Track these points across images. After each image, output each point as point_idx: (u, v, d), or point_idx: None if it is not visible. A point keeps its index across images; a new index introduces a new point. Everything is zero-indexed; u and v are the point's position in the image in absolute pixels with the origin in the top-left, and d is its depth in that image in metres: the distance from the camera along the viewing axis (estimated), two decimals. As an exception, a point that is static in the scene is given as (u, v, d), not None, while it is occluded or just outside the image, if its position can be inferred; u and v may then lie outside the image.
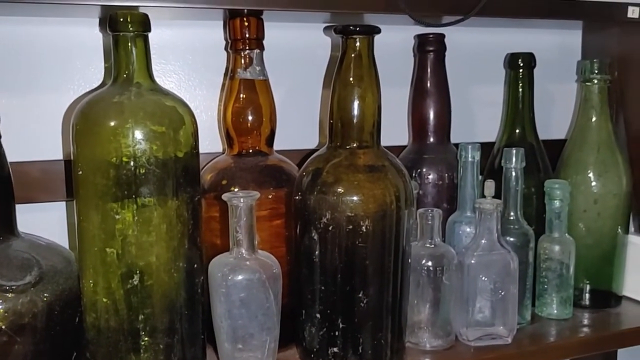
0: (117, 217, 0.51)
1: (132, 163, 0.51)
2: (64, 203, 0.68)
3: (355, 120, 0.57)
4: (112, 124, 0.51)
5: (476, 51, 0.84)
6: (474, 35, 0.83)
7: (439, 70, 0.72)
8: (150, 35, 0.54)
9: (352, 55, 0.57)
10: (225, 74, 0.70)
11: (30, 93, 0.66)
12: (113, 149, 0.51)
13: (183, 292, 0.55)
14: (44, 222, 0.65)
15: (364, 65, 0.57)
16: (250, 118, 0.63)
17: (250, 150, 0.64)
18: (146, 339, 0.53)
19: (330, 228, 0.55)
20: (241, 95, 0.63)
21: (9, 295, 0.51)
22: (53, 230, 0.64)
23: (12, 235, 0.56)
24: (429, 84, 0.72)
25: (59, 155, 0.68)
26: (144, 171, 0.51)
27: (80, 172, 0.52)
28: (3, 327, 0.51)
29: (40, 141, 0.67)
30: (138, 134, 0.51)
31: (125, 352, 0.53)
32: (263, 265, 0.55)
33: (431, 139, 0.72)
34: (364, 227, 0.55)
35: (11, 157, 0.55)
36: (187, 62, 0.71)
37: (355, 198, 0.55)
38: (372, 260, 0.56)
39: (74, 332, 0.57)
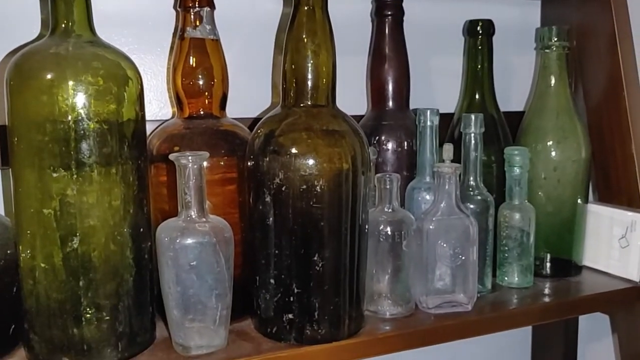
0: (54, 175, 0.48)
1: (69, 118, 0.47)
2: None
3: (309, 78, 0.55)
4: (49, 76, 0.48)
5: (435, 21, 0.82)
6: (433, 5, 0.82)
7: (397, 35, 0.70)
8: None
9: (305, 9, 0.55)
10: (174, 34, 0.67)
11: None
12: (50, 103, 0.47)
13: (128, 259, 0.52)
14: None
15: (317, 20, 0.55)
16: (200, 79, 0.60)
17: (202, 113, 0.61)
18: (88, 308, 0.50)
19: (283, 189, 0.53)
20: (191, 55, 0.60)
21: (-63, 260, 0.48)
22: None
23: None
24: (387, 49, 0.70)
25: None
26: (83, 128, 0.48)
27: (16, 130, 0.49)
28: None
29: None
30: (77, 87, 0.48)
31: (66, 321, 0.50)
32: (214, 229, 0.53)
33: (390, 105, 0.71)
34: (318, 187, 0.53)
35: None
36: (134, 23, 0.67)
37: (309, 156, 0.53)
38: (327, 222, 0.54)
39: (12, 302, 0.53)
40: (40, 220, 0.49)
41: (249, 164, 0.56)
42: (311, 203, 0.53)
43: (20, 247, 0.51)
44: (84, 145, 0.48)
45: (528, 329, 0.97)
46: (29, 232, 0.49)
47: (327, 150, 0.53)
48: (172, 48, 0.66)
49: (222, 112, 0.62)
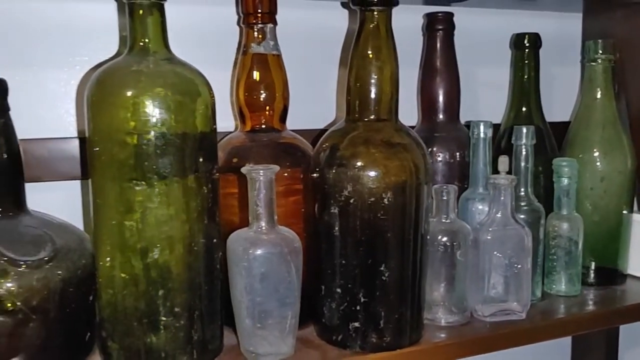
0: (136, 188, 0.49)
1: (152, 134, 0.49)
2: (70, 182, 0.66)
3: (373, 93, 0.57)
4: (131, 92, 0.49)
5: (480, 33, 0.84)
6: (477, 18, 0.83)
7: (448, 49, 0.72)
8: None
9: (370, 27, 0.56)
10: (238, 50, 0.68)
11: (37, 69, 0.65)
12: (132, 118, 0.49)
13: (202, 268, 0.53)
14: (48, 202, 0.63)
15: (381, 37, 0.57)
16: (262, 93, 0.62)
17: (263, 126, 0.63)
18: (165, 316, 0.51)
19: (351, 201, 0.55)
20: (254, 70, 0.62)
21: (24, 270, 0.49)
22: (60, 211, 0.62)
23: (22, 212, 0.54)
24: (438, 63, 0.72)
25: (64, 133, 0.66)
26: (163, 143, 0.50)
27: (96, 145, 0.51)
28: (18, 303, 0.49)
29: (46, 119, 0.65)
30: (157, 104, 0.49)
31: (144, 329, 0.51)
32: (284, 239, 0.54)
33: (441, 117, 0.72)
34: (385, 200, 0.54)
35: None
36: (200, 39, 0.69)
37: (376, 169, 0.54)
38: (393, 233, 0.55)
39: (88, 311, 0.55)
40: (122, 231, 0.50)
41: (314, 176, 0.58)
42: (378, 215, 0.55)
43: (99, 258, 0.52)
44: (164, 159, 0.50)
45: (568, 336, 0.98)
46: (109, 243, 0.51)
47: (393, 163, 0.55)
48: (235, 63, 0.68)
49: (282, 125, 0.64)
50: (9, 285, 0.48)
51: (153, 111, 0.49)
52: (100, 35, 0.66)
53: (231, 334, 0.58)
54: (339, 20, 0.77)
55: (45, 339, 0.51)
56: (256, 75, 0.62)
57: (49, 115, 0.66)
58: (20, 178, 0.54)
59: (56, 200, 0.63)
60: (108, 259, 0.52)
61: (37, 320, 0.50)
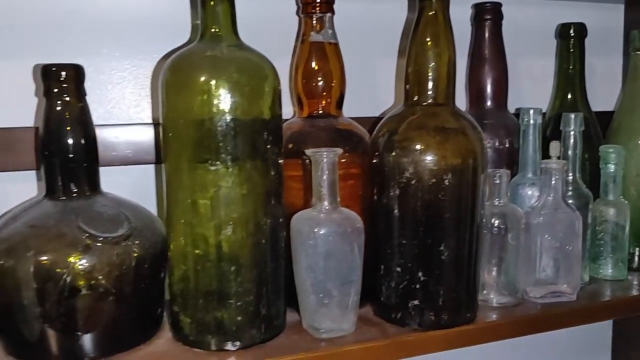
0: (211, 168, 0.52)
1: (226, 116, 0.51)
2: (132, 167, 0.69)
3: (431, 78, 0.59)
4: (206, 76, 0.52)
5: (523, 24, 0.85)
6: (523, 8, 0.85)
7: (496, 38, 0.74)
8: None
9: (429, 14, 0.58)
10: (297, 39, 0.70)
11: (111, 58, 0.68)
12: (207, 102, 0.51)
13: (269, 246, 0.55)
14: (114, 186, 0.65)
15: (439, 24, 0.58)
16: (320, 80, 0.64)
17: (320, 112, 0.65)
18: (237, 292, 0.54)
19: (412, 182, 0.56)
20: (312, 58, 0.64)
21: (104, 246, 0.52)
22: (131, 194, 0.63)
23: (97, 193, 0.57)
24: (486, 52, 0.74)
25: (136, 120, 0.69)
26: (236, 125, 0.52)
27: (172, 127, 0.53)
28: (100, 277, 0.51)
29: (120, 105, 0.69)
30: (231, 87, 0.52)
31: (216, 304, 0.54)
32: (347, 219, 0.57)
33: (489, 105, 0.74)
34: (446, 181, 0.56)
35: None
36: (260, 28, 0.71)
37: (437, 152, 0.56)
38: (452, 214, 0.57)
39: (159, 288, 0.57)
40: (196, 210, 0.53)
41: (374, 160, 0.60)
42: (439, 196, 0.56)
43: (173, 236, 0.55)
44: (237, 141, 0.52)
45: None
46: (183, 221, 0.54)
47: (452, 146, 0.57)
48: (293, 52, 0.70)
49: (339, 112, 0.66)
50: (92, 260, 0.51)
51: (227, 95, 0.52)
52: (169, 27, 0.68)
53: (291, 313, 0.60)
54: (397, 10, 0.78)
55: (122, 313, 0.54)
56: (314, 63, 0.64)
57: (121, 103, 0.69)
58: (95, 161, 0.56)
59: (128, 184, 0.66)
60: (182, 237, 0.54)
61: (116, 294, 0.52)
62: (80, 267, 0.50)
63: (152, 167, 0.70)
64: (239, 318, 0.54)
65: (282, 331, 0.58)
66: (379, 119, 0.64)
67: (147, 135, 0.68)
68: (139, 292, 0.55)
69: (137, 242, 0.54)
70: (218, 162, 0.52)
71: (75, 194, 0.55)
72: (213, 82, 0.51)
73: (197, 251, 0.53)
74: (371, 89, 0.78)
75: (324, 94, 0.65)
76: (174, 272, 0.55)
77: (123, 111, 0.68)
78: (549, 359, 0.96)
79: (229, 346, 0.54)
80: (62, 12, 0.65)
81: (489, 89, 0.74)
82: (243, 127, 0.52)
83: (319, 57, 0.64)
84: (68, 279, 0.50)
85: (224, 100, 0.51)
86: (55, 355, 0.52)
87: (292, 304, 0.59)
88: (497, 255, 0.65)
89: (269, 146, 0.54)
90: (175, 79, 0.53)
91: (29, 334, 0.52)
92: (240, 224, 0.53)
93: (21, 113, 0.65)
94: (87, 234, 0.52)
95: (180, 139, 0.53)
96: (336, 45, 0.65)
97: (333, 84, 0.64)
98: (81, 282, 0.50)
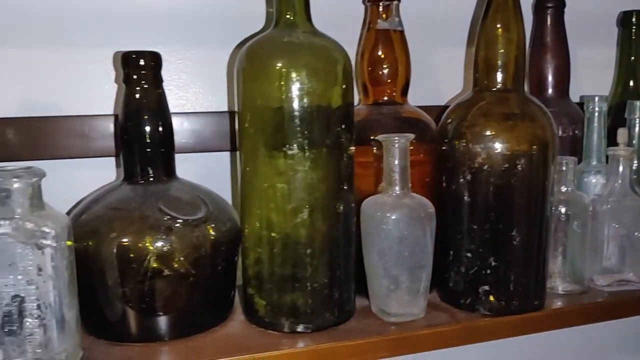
0: (289, 153, 0.52)
1: (304, 101, 0.52)
2: (206, 154, 0.70)
3: (501, 64, 0.59)
4: (283, 62, 0.52)
5: (584, 12, 0.84)
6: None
7: (558, 26, 0.73)
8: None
9: (499, 0, 0.58)
10: (363, 26, 0.71)
11: (189, 47, 0.69)
12: (284, 87, 0.52)
13: (342, 231, 0.56)
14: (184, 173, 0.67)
15: (509, 8, 0.58)
16: (386, 68, 0.64)
17: (385, 99, 0.65)
18: (312, 275, 0.54)
19: (484, 168, 0.57)
20: (378, 46, 0.64)
21: (185, 228, 0.53)
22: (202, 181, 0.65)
23: (173, 179, 0.58)
24: (548, 39, 0.73)
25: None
26: (312, 111, 0.53)
27: (248, 113, 0.54)
28: (181, 259, 0.52)
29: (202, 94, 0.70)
30: (309, 73, 0.52)
31: (291, 287, 0.54)
32: (420, 204, 0.57)
33: (550, 93, 0.74)
34: (519, 166, 0.56)
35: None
36: (326, 16, 0.71)
37: (509, 137, 0.56)
38: (523, 200, 0.57)
39: (233, 271, 0.59)
40: (273, 194, 0.53)
41: (442, 147, 0.60)
42: (511, 181, 0.56)
43: (249, 220, 0.56)
44: (314, 126, 0.53)
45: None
46: (260, 205, 0.54)
47: (524, 131, 0.57)
48: (359, 40, 0.71)
49: (404, 99, 0.66)
50: (173, 242, 0.52)
51: (304, 80, 0.52)
52: (243, 15, 0.69)
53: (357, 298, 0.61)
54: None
55: (200, 295, 0.55)
56: (380, 50, 0.64)
57: (197, 91, 0.70)
58: (171, 147, 0.58)
59: (199, 171, 0.68)
60: (257, 221, 0.55)
61: (195, 276, 0.53)
62: (163, 248, 0.52)
63: (227, 154, 0.71)
64: (313, 301, 0.55)
65: (352, 316, 0.59)
66: (442, 107, 0.65)
67: (221, 124, 0.69)
68: (216, 275, 0.56)
69: (213, 225, 0.55)
70: (295, 147, 0.52)
71: (152, 179, 0.56)
72: (291, 68, 0.52)
73: (273, 234, 0.54)
74: (434, 77, 0.78)
75: (390, 81, 0.65)
76: (248, 256, 0.56)
77: (199, 99, 0.70)
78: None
79: (303, 328, 0.55)
80: (140, 2, 0.66)
81: (550, 77, 0.73)
82: (319, 112, 0.53)
83: (385, 44, 0.64)
84: (151, 260, 0.51)
85: (301, 85, 0.52)
86: (135, 336, 0.54)
87: (358, 289, 0.60)
88: (562, 243, 0.65)
89: (342, 132, 0.55)
90: (252, 65, 0.54)
91: (110, 314, 0.53)
92: (315, 208, 0.54)
93: (100, 101, 0.66)
94: (168, 217, 0.53)
95: (258, 125, 0.54)
96: (402, 32, 0.65)
97: (399, 72, 0.65)
98: (163, 264, 0.52)
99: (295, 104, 0.52)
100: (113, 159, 0.67)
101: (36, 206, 0.47)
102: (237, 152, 0.57)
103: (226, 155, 0.71)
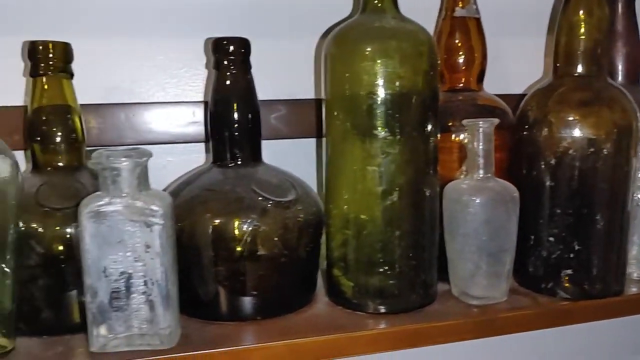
0: (380, 135, 0.53)
1: (396, 84, 0.53)
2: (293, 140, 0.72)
3: (583, 49, 0.59)
4: (375, 47, 0.53)
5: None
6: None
7: (629, 12, 0.73)
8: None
9: (582, -13, 0.59)
10: (439, 14, 0.72)
11: (276, 36, 0.70)
12: (375, 71, 0.53)
13: (428, 214, 0.57)
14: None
15: (593, -5, 0.59)
16: (462, 55, 0.65)
17: (462, 86, 0.66)
18: (399, 256, 0.55)
19: (569, 152, 0.57)
20: (455, 33, 0.65)
21: (278, 209, 0.54)
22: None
23: (260, 163, 0.59)
24: (619, 27, 0.73)
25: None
26: (405, 94, 0.53)
27: (338, 98, 0.55)
28: (275, 239, 0.54)
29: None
30: (401, 58, 0.53)
31: (379, 268, 0.55)
32: (504, 188, 0.57)
33: (620, 80, 0.73)
34: (604, 150, 0.57)
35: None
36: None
37: (594, 122, 0.57)
38: (607, 184, 0.57)
39: (318, 253, 0.60)
40: (364, 177, 0.54)
41: (523, 133, 0.61)
42: (596, 165, 0.57)
43: (337, 202, 0.57)
44: (404, 110, 0.54)
45: None
46: (349, 188, 0.55)
47: (609, 116, 0.57)
48: (435, 27, 0.71)
49: (479, 86, 0.67)
50: (268, 222, 0.53)
51: (396, 65, 0.53)
52: (329, 2, 0.70)
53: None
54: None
55: (290, 276, 0.56)
56: (457, 37, 0.65)
57: (283, 78, 0.71)
58: (259, 132, 0.59)
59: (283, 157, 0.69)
60: (345, 204, 0.56)
61: (287, 257, 0.55)
62: (258, 229, 0.53)
63: (311, 141, 0.73)
64: (400, 283, 0.56)
65: (435, 299, 0.59)
66: (510, 95, 0.65)
67: (305, 112, 0.71)
68: (304, 257, 0.57)
69: (302, 207, 0.56)
70: (386, 131, 0.53)
71: (240, 163, 0.58)
72: (384, 53, 0.53)
73: (362, 216, 0.55)
74: (501, 66, 0.78)
75: (465, 68, 0.66)
76: (335, 238, 0.57)
77: (285, 86, 0.71)
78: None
79: (390, 310, 0.56)
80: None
81: (621, 64, 0.73)
82: (409, 96, 0.54)
83: (462, 31, 0.65)
84: (247, 240, 0.53)
85: (393, 70, 0.53)
86: (226, 315, 0.55)
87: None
88: (637, 228, 0.65)
89: (430, 116, 0.56)
90: (342, 50, 0.55)
91: (203, 293, 0.55)
92: (404, 191, 0.54)
93: (190, 88, 0.69)
94: (262, 198, 0.54)
95: (347, 109, 0.54)
96: (478, 20, 0.66)
97: (475, 59, 0.65)
98: (258, 244, 0.53)
99: (387, 88, 0.53)
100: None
101: (143, 185, 0.48)
102: (324, 138, 0.58)
103: (309, 142, 0.73)
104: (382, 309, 0.56)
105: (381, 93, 0.53)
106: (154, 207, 0.47)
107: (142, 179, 0.48)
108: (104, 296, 0.48)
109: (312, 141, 0.73)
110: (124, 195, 0.47)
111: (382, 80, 0.53)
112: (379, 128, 0.53)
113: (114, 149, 0.48)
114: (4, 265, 0.46)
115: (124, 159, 0.47)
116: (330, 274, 0.58)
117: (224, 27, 0.67)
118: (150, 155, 0.48)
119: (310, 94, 0.72)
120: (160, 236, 0.48)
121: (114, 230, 0.47)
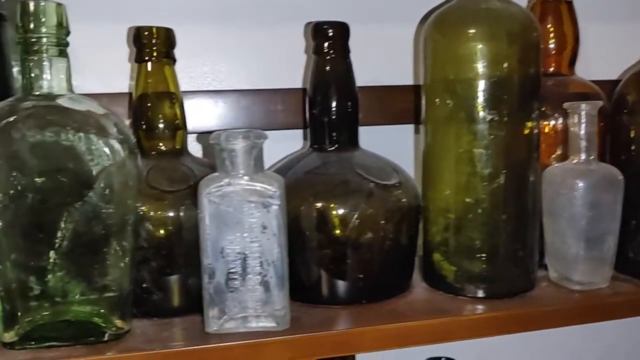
0: (488, 117, 0.53)
1: (504, 66, 0.52)
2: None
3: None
4: (484, 29, 0.53)
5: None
6: None
7: None
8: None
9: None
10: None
11: (372, 19, 0.71)
12: (484, 54, 0.52)
13: (531, 198, 0.56)
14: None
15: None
16: (554, 39, 0.64)
17: (552, 70, 0.65)
18: (504, 240, 0.54)
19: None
20: (548, 17, 0.64)
21: (383, 193, 0.54)
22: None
23: (356, 148, 0.59)
24: None
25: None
26: (513, 76, 0.53)
27: (442, 81, 0.54)
28: (382, 222, 0.53)
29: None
30: (509, 40, 0.53)
31: (483, 252, 0.54)
32: (609, 171, 0.57)
33: None
34: None
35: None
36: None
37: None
38: None
39: (416, 238, 0.59)
40: (470, 159, 0.54)
41: (622, 117, 0.60)
42: None
43: (437, 187, 0.56)
44: (512, 93, 0.53)
45: None
46: (452, 172, 0.55)
47: None
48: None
49: (571, 70, 0.66)
50: (375, 205, 0.53)
51: (504, 47, 0.52)
52: None
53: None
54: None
55: (393, 259, 0.56)
56: (549, 22, 0.64)
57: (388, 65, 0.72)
58: (356, 117, 0.59)
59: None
60: (448, 189, 0.55)
61: (392, 240, 0.54)
62: (366, 212, 0.53)
63: (408, 127, 0.73)
64: (504, 267, 0.55)
65: (535, 284, 0.59)
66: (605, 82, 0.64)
67: (403, 98, 0.71)
68: (407, 240, 0.57)
69: (406, 192, 0.56)
70: (495, 113, 0.53)
71: (339, 147, 0.58)
72: (492, 35, 0.52)
73: (467, 199, 0.54)
74: (601, 51, 0.78)
75: (556, 52, 0.65)
76: (436, 223, 0.57)
77: (385, 73, 0.71)
78: None
79: (493, 294, 0.55)
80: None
81: None
82: (515, 79, 0.53)
83: (555, 16, 0.64)
84: (357, 223, 0.52)
85: (501, 52, 0.52)
86: (331, 299, 0.55)
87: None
88: None
89: (534, 99, 0.55)
90: (446, 33, 0.54)
91: (306, 277, 0.55)
92: (510, 173, 0.54)
93: (285, 75, 0.69)
94: (368, 180, 0.54)
95: (452, 93, 0.54)
96: (570, 3, 0.65)
97: (567, 43, 0.65)
98: (365, 227, 0.53)
99: (495, 70, 0.52)
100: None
101: (259, 167, 0.48)
102: (422, 123, 0.58)
103: (407, 128, 0.73)
104: (485, 294, 0.55)
105: (488, 75, 0.52)
106: (272, 188, 0.47)
107: (258, 161, 0.48)
108: (220, 277, 0.48)
109: (404, 127, 0.73)
110: (241, 176, 0.48)
111: (489, 63, 0.52)
112: (487, 110, 0.53)
113: (231, 131, 0.48)
114: (126, 244, 0.47)
115: (241, 139, 0.47)
116: (430, 259, 0.58)
117: (319, 13, 0.67)
118: (266, 137, 0.49)
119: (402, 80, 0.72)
120: (277, 217, 0.48)
121: (232, 211, 0.47)
